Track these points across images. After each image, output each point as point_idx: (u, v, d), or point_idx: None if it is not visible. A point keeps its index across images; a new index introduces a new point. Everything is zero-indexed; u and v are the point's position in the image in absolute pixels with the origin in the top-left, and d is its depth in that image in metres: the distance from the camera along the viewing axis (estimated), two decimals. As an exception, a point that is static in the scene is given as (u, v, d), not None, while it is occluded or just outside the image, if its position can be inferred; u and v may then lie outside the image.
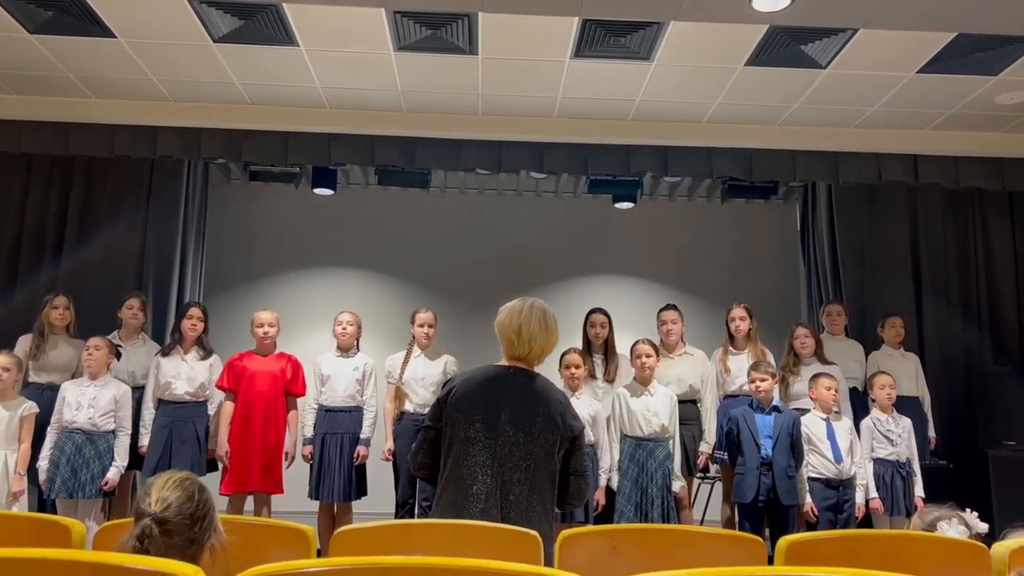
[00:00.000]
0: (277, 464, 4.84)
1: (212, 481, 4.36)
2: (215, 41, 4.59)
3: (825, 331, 5.70)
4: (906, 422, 4.81)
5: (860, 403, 5.35)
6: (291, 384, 4.96)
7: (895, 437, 4.73)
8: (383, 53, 4.68)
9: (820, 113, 5.44)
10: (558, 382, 4.74)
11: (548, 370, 5.18)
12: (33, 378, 4.95)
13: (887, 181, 5.78)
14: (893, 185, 6.08)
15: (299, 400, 5.03)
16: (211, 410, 5.00)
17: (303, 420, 4.97)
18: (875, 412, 4.84)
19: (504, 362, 2.61)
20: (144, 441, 4.85)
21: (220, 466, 4.85)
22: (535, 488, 2.40)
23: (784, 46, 4.50)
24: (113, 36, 4.54)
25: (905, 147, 5.71)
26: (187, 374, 4.93)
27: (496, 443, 2.41)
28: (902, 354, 5.65)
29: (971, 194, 6.41)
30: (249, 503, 4.94)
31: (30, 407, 4.50)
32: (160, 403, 4.91)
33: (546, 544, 2.18)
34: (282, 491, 4.86)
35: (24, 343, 5.03)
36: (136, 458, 4.85)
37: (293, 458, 4.92)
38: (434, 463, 2.52)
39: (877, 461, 4.72)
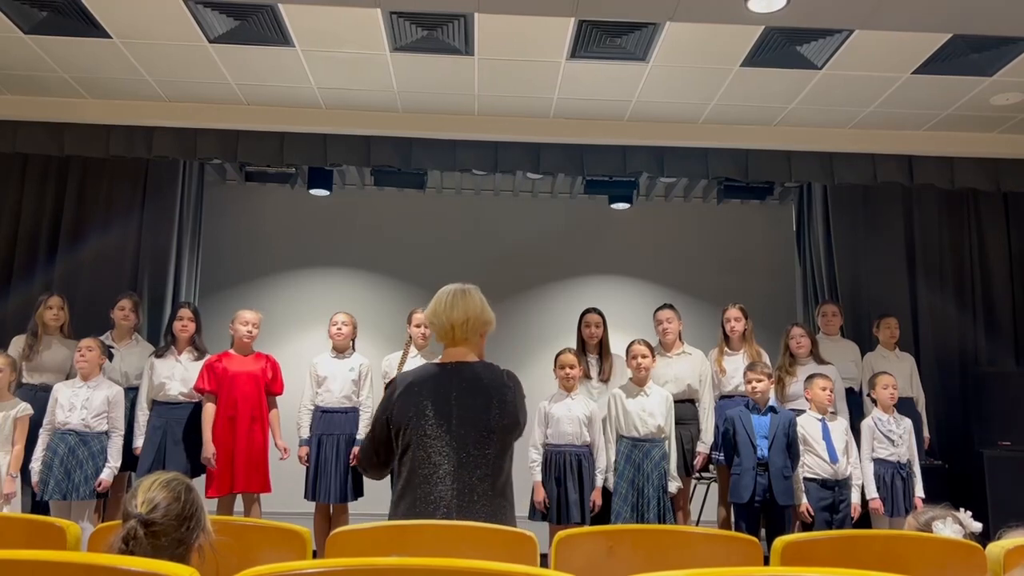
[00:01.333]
0: (264, 463, 4.82)
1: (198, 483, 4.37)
2: (211, 41, 4.58)
3: (820, 332, 5.71)
4: (907, 423, 4.82)
5: (856, 403, 5.36)
6: (272, 384, 4.96)
7: (896, 438, 4.74)
8: (379, 54, 4.68)
9: (816, 114, 5.44)
10: (553, 382, 4.77)
11: (544, 370, 5.20)
12: (27, 379, 4.93)
13: (882, 182, 5.79)
14: (888, 186, 6.09)
15: (293, 401, 5.02)
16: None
17: (299, 422, 4.96)
18: (876, 412, 4.84)
19: (441, 359, 2.54)
20: (138, 442, 4.84)
21: (207, 468, 4.79)
22: (496, 485, 2.37)
23: (780, 47, 4.51)
24: (108, 36, 4.53)
25: (900, 148, 5.72)
26: (181, 375, 4.92)
27: (452, 444, 2.35)
28: (896, 355, 5.66)
29: (966, 195, 6.43)
30: (239, 504, 4.92)
31: (23, 408, 4.48)
32: (154, 404, 4.91)
33: None
34: (270, 490, 4.85)
35: (18, 343, 5.02)
36: (131, 459, 4.84)
37: (286, 450, 4.90)
38: (385, 464, 2.50)
39: (877, 461, 4.72)
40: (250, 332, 4.95)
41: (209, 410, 4.82)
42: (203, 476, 4.85)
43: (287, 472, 4.99)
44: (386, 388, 2.54)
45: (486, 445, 2.37)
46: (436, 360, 2.58)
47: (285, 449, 4.90)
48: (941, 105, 5.28)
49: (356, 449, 4.88)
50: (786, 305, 7.06)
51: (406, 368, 4.93)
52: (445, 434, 2.36)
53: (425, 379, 2.46)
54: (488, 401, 2.41)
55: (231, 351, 4.97)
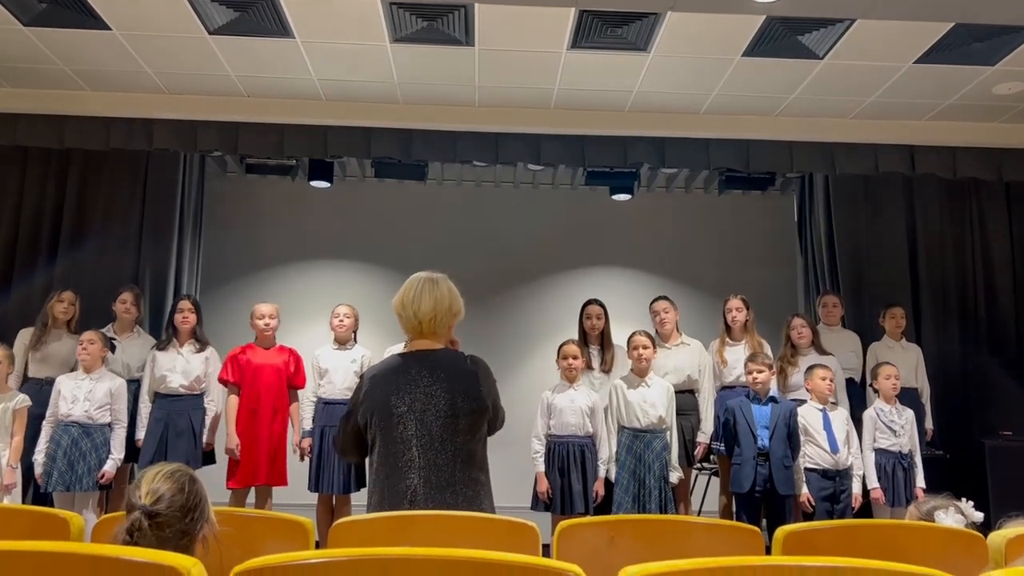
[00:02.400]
0: (282, 456, 4.86)
1: (209, 475, 4.39)
2: (210, 33, 4.57)
3: (821, 322, 5.71)
4: (909, 413, 4.82)
5: (856, 394, 5.36)
6: (294, 377, 4.98)
7: (898, 428, 4.74)
8: (379, 45, 4.67)
9: (817, 104, 5.43)
10: (555, 373, 4.78)
11: (545, 361, 5.20)
12: (33, 373, 4.95)
13: (884, 172, 5.78)
14: (890, 176, 6.08)
15: (298, 393, 5.04)
16: (207, 403, 5.00)
17: (302, 413, 4.98)
18: (879, 403, 4.85)
19: (405, 348, 2.52)
20: (141, 435, 4.86)
21: (229, 460, 4.83)
22: (468, 471, 2.35)
23: (781, 37, 4.50)
24: (108, 28, 4.52)
25: (902, 138, 5.71)
26: (182, 367, 4.93)
27: (419, 435, 2.33)
28: (903, 346, 5.66)
29: (968, 185, 6.41)
30: (251, 496, 4.95)
31: (22, 400, 4.49)
32: (156, 396, 4.92)
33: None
34: (287, 483, 4.89)
35: (24, 335, 5.05)
36: (133, 450, 4.85)
37: (302, 448, 4.92)
38: (359, 452, 2.49)
39: (879, 452, 4.72)
40: (267, 324, 4.96)
41: (233, 402, 4.86)
42: (209, 467, 4.89)
43: (291, 464, 5.01)
44: (359, 384, 2.52)
45: (453, 432, 2.35)
46: (400, 350, 2.54)
47: (303, 448, 4.90)
48: (943, 95, 5.26)
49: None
50: (787, 296, 7.05)
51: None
52: (411, 424, 2.34)
53: (389, 371, 2.44)
54: (452, 387, 2.38)
55: (254, 344, 4.99)
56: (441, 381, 2.38)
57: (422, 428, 2.34)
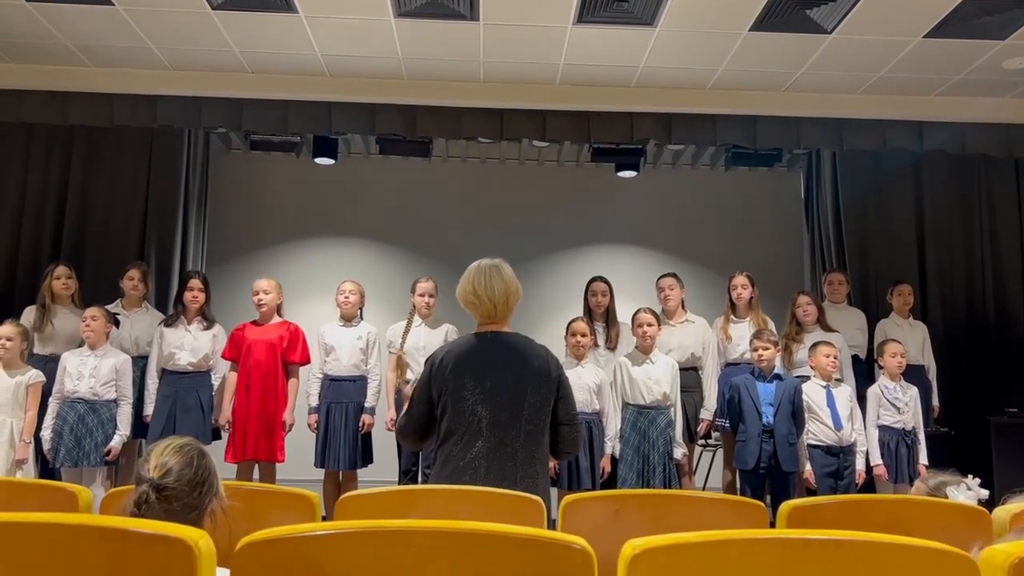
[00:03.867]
0: (277, 432, 4.85)
1: (218, 449, 4.43)
2: (213, 8, 4.53)
3: (826, 300, 5.70)
4: (913, 391, 4.82)
5: (862, 371, 5.36)
6: (288, 352, 4.94)
7: (902, 405, 4.74)
8: (383, 19, 4.63)
9: (825, 79, 5.38)
10: (561, 350, 4.78)
11: (550, 338, 5.20)
12: (37, 349, 4.96)
13: (892, 148, 5.74)
14: (898, 152, 6.03)
15: (303, 369, 5.04)
16: (215, 380, 5.02)
17: (308, 390, 5.00)
18: (883, 379, 4.84)
19: (480, 329, 2.62)
20: (149, 410, 4.88)
21: (224, 435, 4.90)
22: (534, 451, 2.45)
23: (789, 11, 4.44)
24: (110, 3, 4.49)
25: (910, 113, 5.66)
26: (190, 344, 4.95)
27: (491, 409, 2.43)
28: (910, 323, 5.64)
29: (977, 161, 6.36)
30: (257, 472, 4.98)
31: (35, 375, 4.53)
32: (163, 373, 4.94)
33: (547, 506, 2.21)
34: (283, 459, 4.89)
35: (29, 315, 5.05)
36: (141, 426, 4.88)
37: (291, 426, 4.93)
38: (423, 436, 2.58)
39: (883, 428, 4.73)
40: (260, 300, 4.96)
41: (231, 378, 4.90)
42: (220, 443, 4.92)
43: (297, 440, 5.03)
44: (428, 360, 2.61)
45: (521, 409, 2.45)
46: (474, 331, 2.64)
47: (290, 425, 4.90)
48: (952, 69, 5.21)
49: (365, 417, 4.91)
50: (793, 272, 7.04)
51: (410, 337, 4.96)
52: (486, 398, 2.44)
53: (467, 347, 2.54)
54: (524, 365, 2.49)
55: (257, 320, 5.01)
56: (520, 359, 2.50)
57: (500, 404, 2.44)
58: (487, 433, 2.42)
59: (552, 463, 4.54)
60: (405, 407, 2.65)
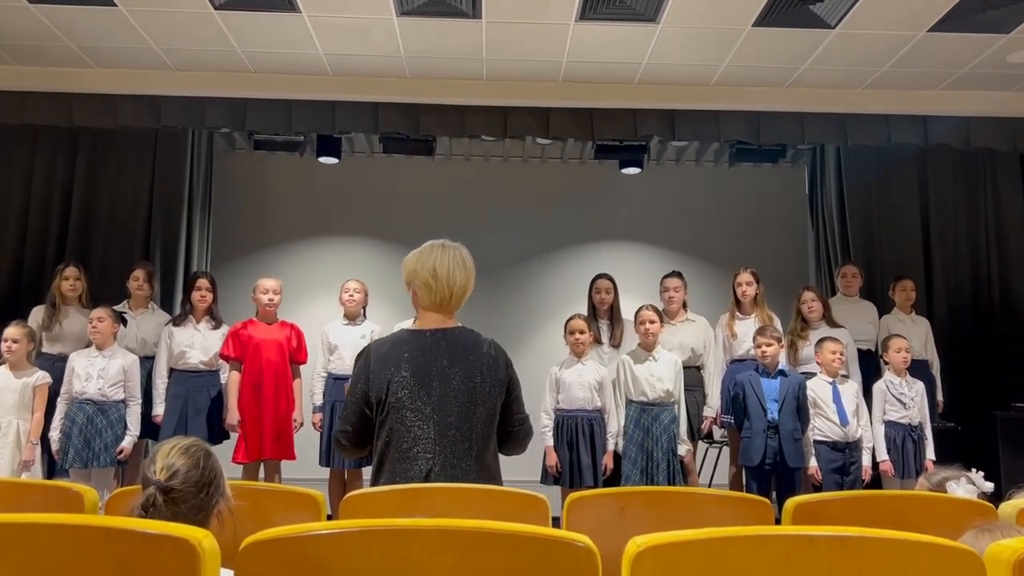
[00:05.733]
0: (288, 431, 4.87)
1: (224, 449, 4.43)
2: (216, 8, 4.54)
3: (839, 293, 5.70)
4: (919, 386, 4.81)
5: (873, 365, 5.34)
6: (296, 352, 4.97)
7: (908, 400, 4.73)
8: (385, 18, 4.63)
9: (829, 74, 5.36)
10: (564, 348, 4.78)
11: (554, 336, 5.18)
12: (46, 349, 4.98)
13: (896, 143, 5.72)
14: (902, 147, 6.01)
15: (305, 368, 5.05)
16: (222, 379, 5.03)
17: (312, 388, 5.00)
18: (888, 375, 4.83)
19: (418, 324, 2.36)
20: (158, 410, 4.88)
21: (233, 435, 4.87)
22: (481, 459, 2.25)
23: (792, 6, 4.43)
24: (113, 4, 4.50)
25: (915, 108, 5.64)
26: (201, 343, 4.96)
27: (434, 417, 2.21)
28: (912, 318, 5.63)
29: (981, 155, 6.34)
30: (262, 471, 4.98)
31: (42, 377, 4.54)
32: (173, 372, 4.94)
33: None
34: (295, 457, 4.91)
35: (37, 315, 5.07)
36: (149, 427, 4.88)
37: (301, 425, 4.95)
38: (362, 441, 2.31)
39: (888, 424, 4.72)
40: (271, 300, 4.95)
41: (234, 378, 4.86)
42: (226, 442, 4.91)
43: (303, 439, 5.04)
44: (357, 359, 2.33)
45: (471, 418, 2.24)
46: (410, 326, 2.40)
47: (300, 424, 4.94)
48: (957, 64, 5.19)
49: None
50: (798, 268, 7.02)
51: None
52: (426, 406, 2.21)
53: (403, 347, 2.28)
54: (472, 366, 2.26)
55: (255, 319, 4.99)
56: (463, 362, 2.26)
57: (439, 411, 2.21)
58: (433, 447, 2.20)
59: (553, 460, 4.55)
60: (341, 411, 2.40)
